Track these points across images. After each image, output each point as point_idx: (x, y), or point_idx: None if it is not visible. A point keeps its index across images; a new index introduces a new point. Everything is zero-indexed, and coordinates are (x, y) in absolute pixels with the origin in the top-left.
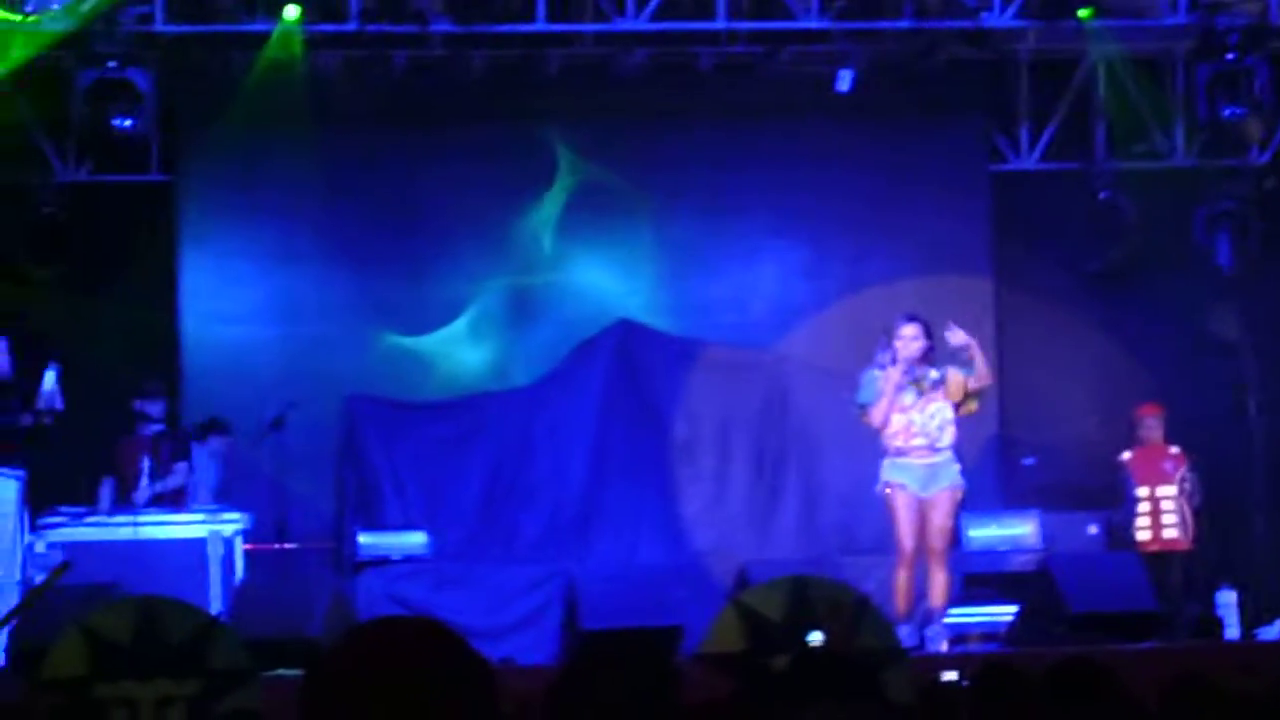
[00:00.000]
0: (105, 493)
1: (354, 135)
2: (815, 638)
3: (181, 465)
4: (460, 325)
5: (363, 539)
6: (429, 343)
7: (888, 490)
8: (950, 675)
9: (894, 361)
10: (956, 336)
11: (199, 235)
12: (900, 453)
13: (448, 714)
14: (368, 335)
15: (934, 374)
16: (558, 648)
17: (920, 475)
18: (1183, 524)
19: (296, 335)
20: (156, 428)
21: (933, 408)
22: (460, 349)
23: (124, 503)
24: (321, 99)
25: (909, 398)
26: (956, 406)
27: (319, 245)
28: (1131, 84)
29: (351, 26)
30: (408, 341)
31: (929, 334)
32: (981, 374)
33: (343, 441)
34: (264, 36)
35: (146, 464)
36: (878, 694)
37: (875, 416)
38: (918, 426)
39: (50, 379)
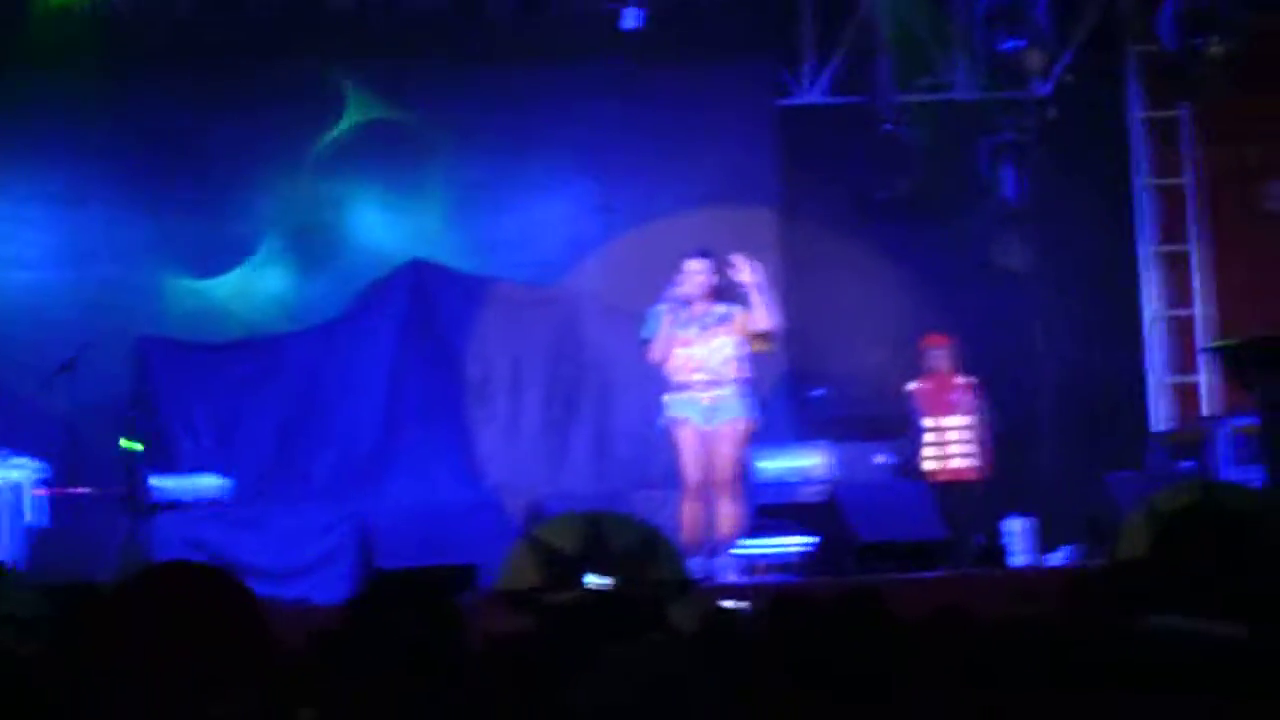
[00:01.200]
0: None
1: (142, 74)
2: (594, 581)
3: None
4: (251, 266)
5: (156, 482)
6: (221, 284)
7: (671, 424)
8: (731, 603)
9: (676, 303)
10: (742, 273)
11: None
12: (682, 387)
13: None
14: (160, 277)
15: (720, 309)
16: (352, 587)
17: (702, 409)
18: (971, 454)
19: (87, 278)
20: None
21: (716, 342)
22: (251, 290)
23: None
24: (108, 36)
25: (692, 331)
26: (746, 343)
27: (109, 187)
28: (915, 16)
29: None
30: (200, 284)
31: (718, 270)
32: (760, 317)
33: (134, 383)
34: None
35: None
36: (664, 626)
37: (655, 352)
38: (698, 360)
39: None
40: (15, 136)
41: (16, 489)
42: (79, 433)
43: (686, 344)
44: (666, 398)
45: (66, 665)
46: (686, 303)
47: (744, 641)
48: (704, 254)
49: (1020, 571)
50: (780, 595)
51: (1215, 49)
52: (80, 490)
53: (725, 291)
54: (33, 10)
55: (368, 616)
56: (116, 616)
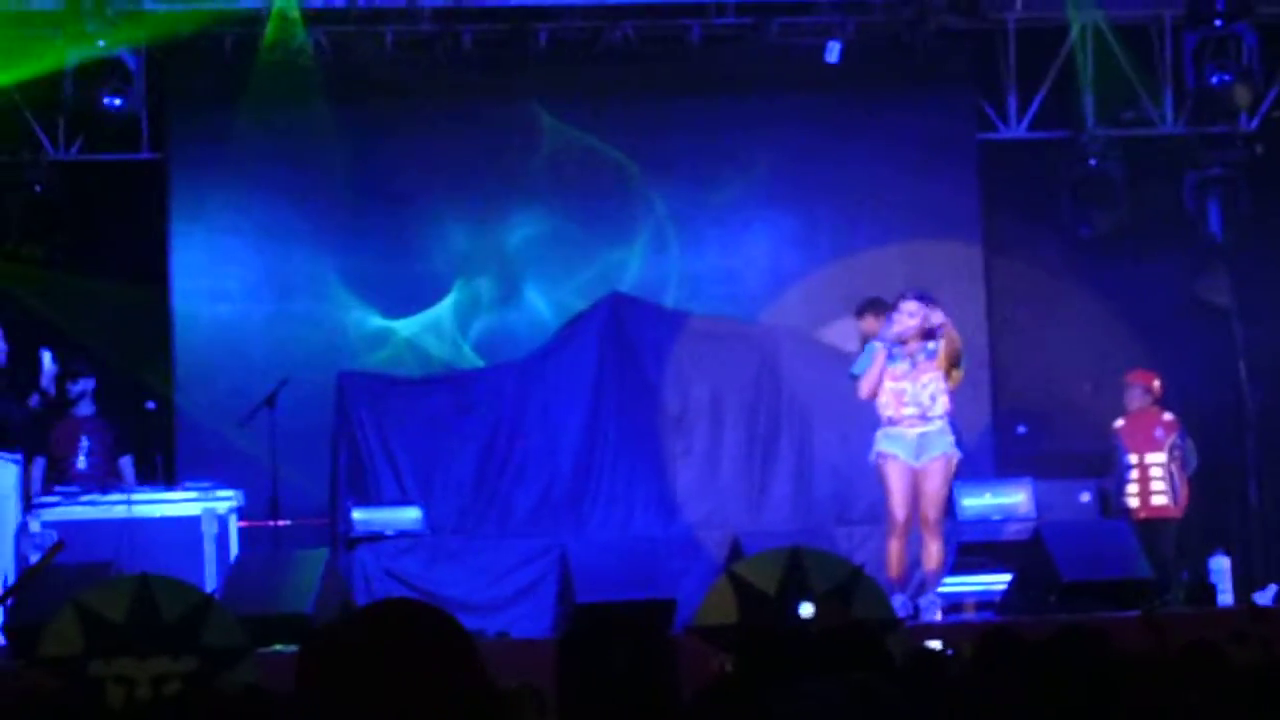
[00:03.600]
0: (37, 473)
1: (345, 112)
2: (806, 610)
3: (127, 460)
4: (449, 302)
5: (356, 515)
6: (420, 320)
7: (880, 460)
8: (934, 644)
9: (891, 343)
10: (934, 317)
11: (190, 213)
12: (892, 422)
13: (437, 693)
14: (359, 312)
15: (930, 345)
16: (553, 621)
17: (912, 445)
18: (1172, 491)
19: (288, 312)
20: (87, 409)
21: (925, 378)
22: (450, 326)
23: (56, 483)
24: (313, 79)
25: (902, 367)
26: (946, 377)
27: (310, 222)
28: (1119, 51)
29: (341, 3)
30: (395, 322)
31: (932, 306)
32: (943, 355)
33: (335, 418)
34: (253, 14)
35: (85, 444)
36: (884, 662)
37: (863, 388)
38: (909, 396)
39: (48, 359)
40: (219, 172)
41: (220, 521)
42: (280, 466)
43: (897, 379)
44: (879, 433)
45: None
46: (900, 341)
47: (951, 683)
48: (920, 296)
49: (1232, 610)
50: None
51: None
52: (281, 522)
53: (931, 331)
54: (238, 49)
55: (580, 651)
56: (342, 654)
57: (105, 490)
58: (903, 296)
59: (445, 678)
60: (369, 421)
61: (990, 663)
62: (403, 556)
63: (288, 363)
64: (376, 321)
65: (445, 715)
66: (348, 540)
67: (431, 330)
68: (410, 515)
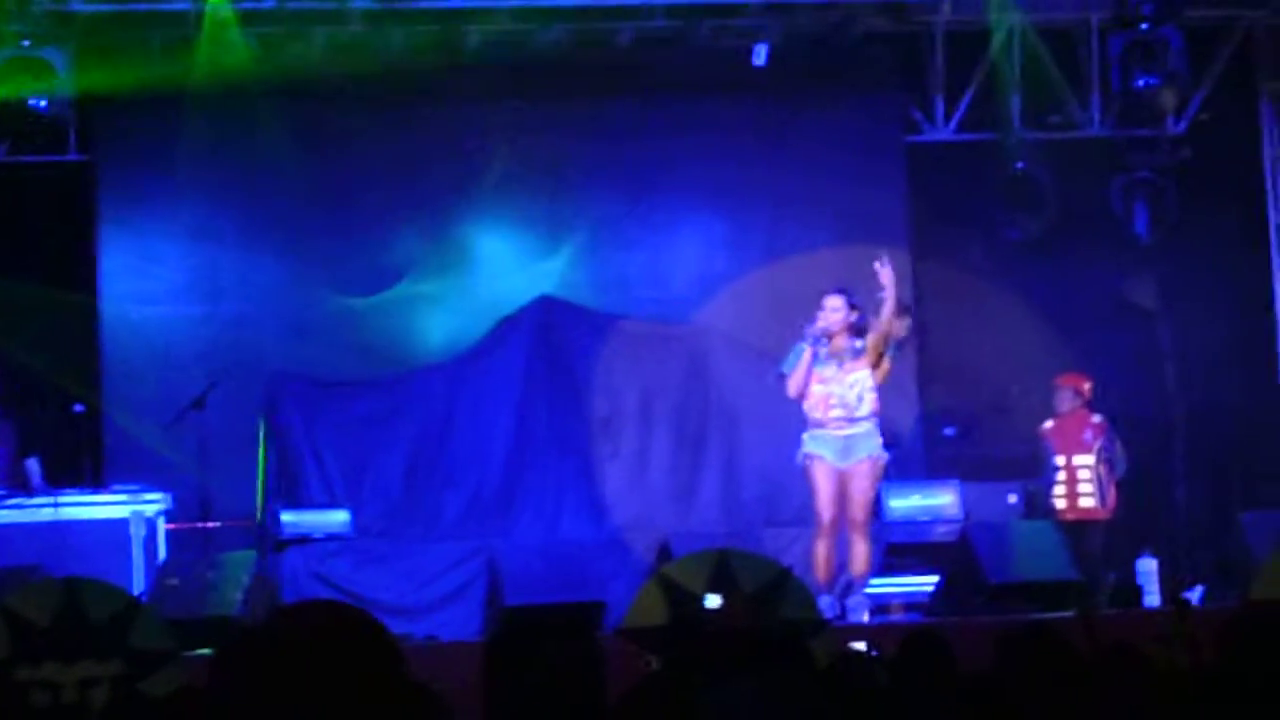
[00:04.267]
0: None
1: (274, 113)
2: (712, 601)
3: (33, 461)
4: (380, 304)
5: (285, 518)
6: (348, 323)
7: (806, 461)
8: (860, 645)
9: (816, 339)
10: (884, 274)
11: (118, 215)
12: (819, 424)
13: (355, 694)
14: (290, 314)
15: (858, 344)
16: (482, 624)
17: (838, 446)
18: (1099, 493)
19: (218, 315)
20: None
21: (852, 378)
22: (380, 328)
23: None
24: (243, 78)
25: (830, 369)
26: (874, 370)
27: (240, 224)
28: (1046, 54)
29: (270, 4)
30: (334, 318)
31: (854, 306)
32: (885, 319)
33: (264, 421)
34: (181, 15)
35: None
36: (807, 663)
37: (791, 387)
38: (836, 398)
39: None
40: (147, 174)
41: (148, 523)
42: (208, 468)
43: (824, 381)
44: (805, 434)
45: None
46: (826, 336)
47: (873, 685)
48: (842, 291)
49: (1157, 611)
50: (919, 635)
51: None
52: (209, 525)
53: (860, 328)
54: (166, 51)
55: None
56: (261, 656)
57: (12, 493)
58: (826, 293)
59: (363, 678)
60: (298, 424)
61: (913, 664)
62: (331, 559)
63: (217, 365)
64: (306, 324)
65: (363, 716)
66: (276, 543)
67: (361, 333)
68: (339, 518)
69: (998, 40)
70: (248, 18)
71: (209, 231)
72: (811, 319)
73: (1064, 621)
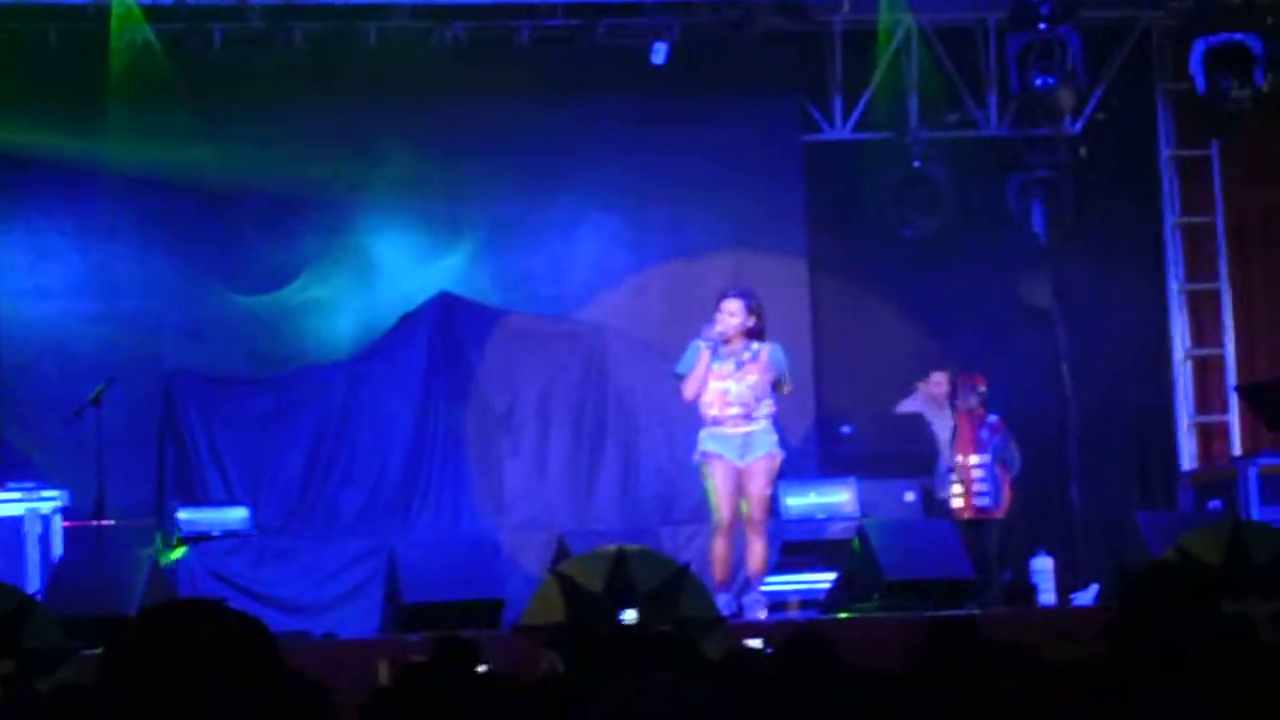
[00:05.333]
0: None
1: (172, 109)
2: (629, 616)
3: None
4: (280, 300)
5: (182, 515)
6: (250, 318)
7: (704, 459)
8: (755, 642)
9: (714, 344)
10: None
11: (10, 211)
12: (716, 422)
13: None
14: (189, 310)
15: (755, 346)
16: (380, 622)
17: (736, 444)
18: (995, 492)
19: (114, 311)
20: None
21: (750, 378)
22: (281, 325)
23: None
24: (141, 73)
25: (728, 366)
26: (772, 385)
27: (137, 220)
28: (943, 53)
29: (168, 0)
30: (232, 315)
31: (752, 310)
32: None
33: (161, 417)
34: (78, 10)
35: None
36: (699, 663)
37: (689, 388)
38: (733, 396)
39: None
40: (43, 170)
41: (44, 521)
42: (105, 465)
43: (722, 378)
44: (702, 433)
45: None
46: (723, 340)
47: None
48: (742, 294)
49: (1052, 609)
50: (799, 634)
51: (1243, 89)
52: (106, 523)
53: (758, 330)
54: (66, 45)
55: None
56: (131, 653)
57: None
58: (724, 295)
59: (239, 675)
60: (196, 421)
61: (796, 661)
62: (229, 557)
63: (114, 362)
64: (202, 321)
65: (240, 713)
66: (174, 540)
67: (257, 331)
68: (237, 515)
69: (890, 41)
70: (147, 14)
71: (105, 228)
72: (710, 321)
73: (961, 618)
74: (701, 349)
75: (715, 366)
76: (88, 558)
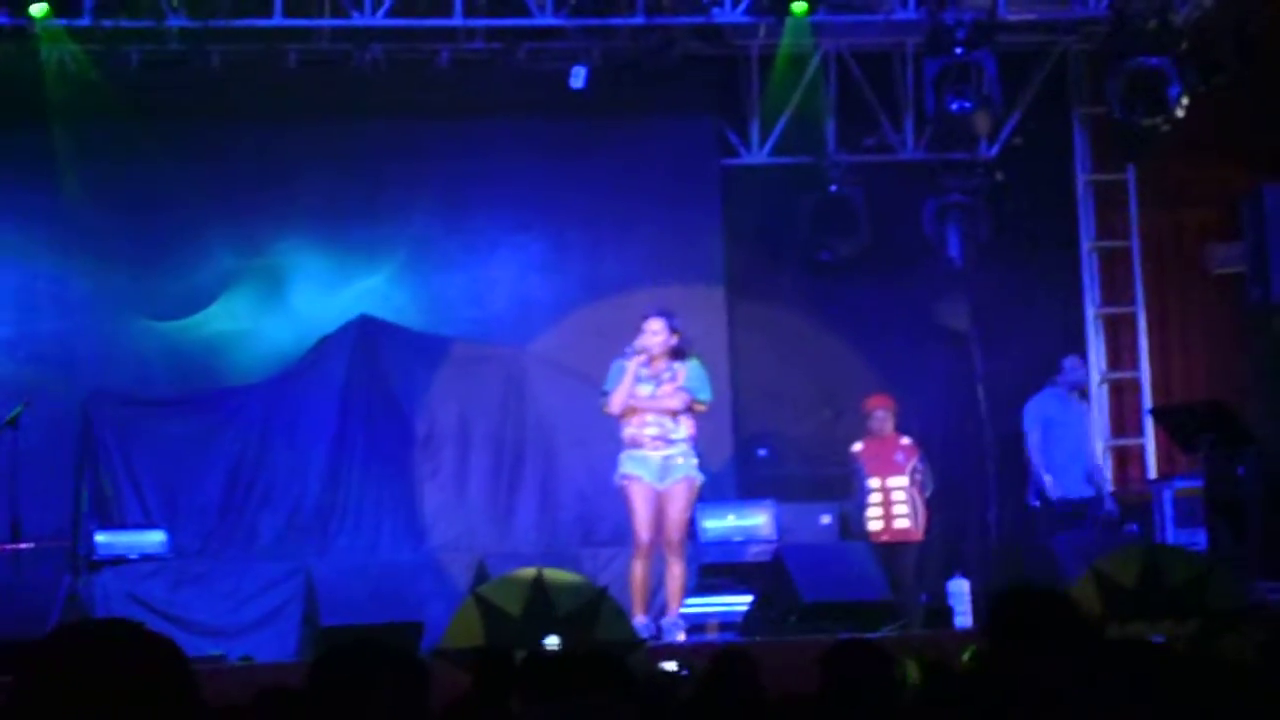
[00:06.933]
0: None
1: (90, 130)
2: (552, 642)
3: None
4: (200, 320)
5: (99, 538)
6: (167, 341)
7: (624, 482)
8: (670, 665)
9: (635, 353)
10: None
11: None
12: (635, 444)
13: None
14: (107, 332)
15: (676, 366)
16: (298, 645)
17: (655, 467)
18: (914, 514)
19: (32, 332)
20: None
21: (669, 401)
22: (199, 347)
23: None
24: (53, 94)
25: (646, 389)
26: (689, 405)
27: (56, 242)
28: (861, 78)
29: (85, 21)
30: (149, 338)
31: (674, 329)
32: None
33: (78, 439)
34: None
35: None
36: (624, 684)
37: (614, 401)
38: (652, 418)
39: None
40: None
41: None
42: (21, 488)
43: (640, 400)
44: (622, 455)
45: None
46: (648, 357)
47: (680, 704)
48: (663, 314)
49: (969, 631)
50: (720, 656)
51: (1157, 117)
52: (22, 546)
53: (680, 349)
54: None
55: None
56: (42, 674)
57: None
58: (646, 315)
59: (153, 699)
60: (113, 443)
61: (716, 683)
62: (146, 580)
63: (31, 383)
64: (120, 344)
65: None
66: (90, 563)
67: (175, 354)
68: (154, 538)
69: (790, 66)
70: (66, 34)
71: (21, 250)
72: (631, 343)
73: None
74: (627, 365)
75: (636, 388)
76: (2, 582)
